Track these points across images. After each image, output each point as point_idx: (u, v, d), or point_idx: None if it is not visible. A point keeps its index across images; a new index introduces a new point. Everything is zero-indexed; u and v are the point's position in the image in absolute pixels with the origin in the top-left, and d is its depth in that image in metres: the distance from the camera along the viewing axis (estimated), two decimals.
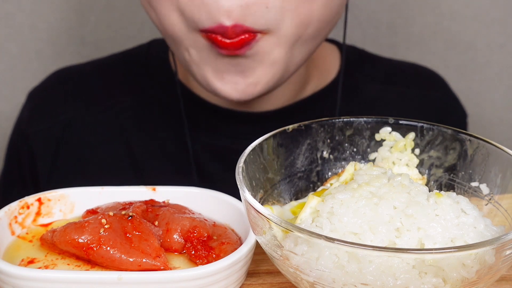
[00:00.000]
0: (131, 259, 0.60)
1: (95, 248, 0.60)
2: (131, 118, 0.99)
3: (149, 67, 1.01)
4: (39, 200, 0.68)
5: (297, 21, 0.79)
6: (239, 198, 0.59)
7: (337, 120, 0.69)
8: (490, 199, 0.64)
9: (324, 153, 0.69)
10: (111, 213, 0.63)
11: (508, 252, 0.53)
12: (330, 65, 1.00)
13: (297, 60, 0.84)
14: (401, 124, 0.69)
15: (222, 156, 0.96)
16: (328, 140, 0.69)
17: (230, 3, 0.75)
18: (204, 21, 0.77)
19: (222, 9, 0.76)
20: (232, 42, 0.77)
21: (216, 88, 0.82)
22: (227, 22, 0.76)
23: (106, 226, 0.61)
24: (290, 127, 0.67)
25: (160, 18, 0.82)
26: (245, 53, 0.79)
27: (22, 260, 0.62)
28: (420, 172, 0.68)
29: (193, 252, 0.62)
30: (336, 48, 1.02)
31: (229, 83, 0.81)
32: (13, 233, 0.66)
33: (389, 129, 0.69)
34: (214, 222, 0.66)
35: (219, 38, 0.77)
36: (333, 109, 0.97)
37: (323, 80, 0.99)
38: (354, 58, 1.03)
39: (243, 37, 0.77)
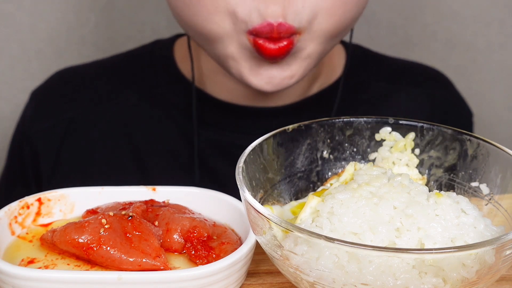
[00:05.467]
0: (131, 259, 0.60)
1: (95, 248, 0.60)
2: (135, 115, 0.99)
3: (154, 66, 1.01)
4: (39, 200, 0.68)
5: (332, 21, 0.82)
6: (239, 197, 0.59)
7: (337, 120, 0.69)
8: (490, 199, 0.64)
9: (324, 153, 0.69)
10: (111, 213, 0.63)
11: (508, 252, 0.53)
12: (336, 63, 1.01)
13: (327, 52, 0.87)
14: (401, 124, 0.69)
15: (229, 152, 0.96)
16: (328, 140, 0.69)
17: (276, 2, 0.79)
18: (254, 20, 0.80)
19: (269, 7, 0.79)
20: (277, 48, 0.80)
21: (250, 82, 0.85)
22: (273, 20, 0.79)
23: (106, 226, 0.61)
24: (290, 127, 0.67)
25: (202, 18, 0.83)
26: (286, 57, 0.82)
27: (22, 260, 0.62)
28: (420, 172, 0.68)
29: (193, 252, 0.62)
30: (342, 46, 1.03)
31: (265, 78, 0.84)
32: (13, 233, 0.66)
33: (389, 129, 0.69)
34: (214, 222, 0.66)
35: (266, 45, 0.80)
36: (338, 107, 0.98)
37: (329, 78, 1.00)
38: (359, 57, 1.03)
39: (286, 42, 0.81)
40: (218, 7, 0.81)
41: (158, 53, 1.02)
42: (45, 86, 1.04)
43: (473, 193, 0.65)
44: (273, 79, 0.84)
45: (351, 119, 0.69)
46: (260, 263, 0.66)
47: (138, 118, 0.99)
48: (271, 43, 0.81)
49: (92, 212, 0.66)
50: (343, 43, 1.04)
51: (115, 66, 1.04)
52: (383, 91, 1.02)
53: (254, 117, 0.96)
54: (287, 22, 0.80)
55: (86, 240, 0.61)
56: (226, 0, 0.80)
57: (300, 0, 0.79)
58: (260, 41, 0.81)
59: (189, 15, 0.84)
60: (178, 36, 1.03)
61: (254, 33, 0.81)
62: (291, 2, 0.79)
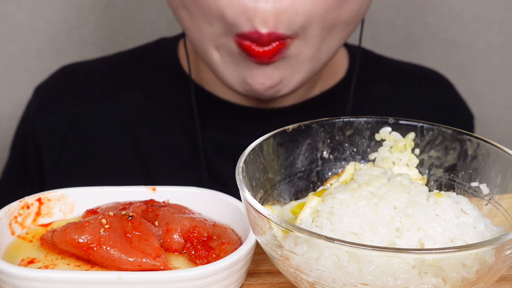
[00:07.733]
0: (131, 259, 0.60)
1: (95, 248, 0.60)
2: (138, 113, 0.99)
3: (158, 64, 1.02)
4: (39, 200, 0.68)
5: (322, 25, 0.81)
6: (240, 197, 0.59)
7: (337, 120, 0.69)
8: (490, 199, 0.64)
9: (324, 153, 0.69)
10: (111, 213, 0.63)
11: (508, 252, 0.53)
12: (338, 64, 1.01)
13: (324, 59, 0.86)
14: (401, 124, 0.69)
15: (230, 151, 0.96)
16: (328, 140, 0.69)
17: (266, 10, 0.77)
18: (243, 25, 0.78)
19: (259, 16, 0.77)
20: (264, 50, 0.79)
21: (242, 90, 0.84)
22: (263, 30, 0.78)
23: (106, 226, 0.61)
24: (290, 127, 0.67)
25: (195, 18, 0.82)
26: (275, 60, 0.80)
27: (22, 260, 0.62)
28: (420, 172, 0.68)
29: (193, 252, 0.62)
30: (344, 48, 1.03)
31: (257, 85, 0.83)
32: (13, 233, 0.66)
33: (389, 129, 0.69)
34: (214, 222, 0.66)
35: (253, 47, 0.79)
36: (340, 108, 0.98)
37: (331, 79, 1.00)
38: (361, 59, 1.03)
39: (275, 44, 0.79)
40: (212, 8, 0.80)
41: (163, 52, 1.03)
42: (49, 82, 1.04)
43: (473, 193, 0.65)
44: (264, 85, 0.82)
45: (351, 119, 0.69)
46: (260, 263, 0.66)
47: (142, 115, 0.99)
48: (260, 47, 0.79)
49: (92, 212, 0.66)
50: (345, 44, 1.04)
51: (120, 64, 1.04)
52: (384, 93, 1.02)
53: (256, 118, 0.96)
54: (277, 32, 0.78)
55: (86, 240, 0.61)
56: (216, 2, 0.79)
57: (293, 7, 0.77)
58: (246, 43, 0.79)
59: (182, 14, 0.84)
60: (183, 35, 1.03)
61: (241, 36, 0.79)
62: (284, 10, 0.77)
